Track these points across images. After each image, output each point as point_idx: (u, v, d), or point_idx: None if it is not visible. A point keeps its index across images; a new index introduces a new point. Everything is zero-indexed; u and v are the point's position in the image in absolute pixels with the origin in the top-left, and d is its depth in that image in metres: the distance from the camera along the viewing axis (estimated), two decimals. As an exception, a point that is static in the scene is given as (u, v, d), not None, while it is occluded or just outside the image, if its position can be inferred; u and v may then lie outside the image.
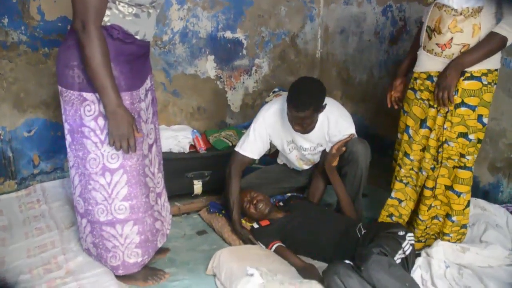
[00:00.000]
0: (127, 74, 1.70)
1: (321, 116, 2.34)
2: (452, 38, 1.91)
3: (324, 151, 2.44)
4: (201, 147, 2.84)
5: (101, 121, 1.70)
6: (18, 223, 2.36)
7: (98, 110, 1.69)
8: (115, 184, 1.78)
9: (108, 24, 1.62)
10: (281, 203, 2.53)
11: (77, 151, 1.78)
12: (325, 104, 2.28)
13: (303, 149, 2.46)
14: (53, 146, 2.81)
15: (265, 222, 2.31)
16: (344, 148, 2.32)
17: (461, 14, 1.87)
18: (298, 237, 2.19)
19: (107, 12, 1.60)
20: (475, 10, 1.86)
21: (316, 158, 2.52)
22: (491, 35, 1.86)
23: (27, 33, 2.60)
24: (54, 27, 2.65)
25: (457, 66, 1.90)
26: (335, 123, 2.34)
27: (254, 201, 2.34)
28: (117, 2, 1.61)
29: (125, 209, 1.82)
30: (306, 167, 2.62)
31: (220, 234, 2.43)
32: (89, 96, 1.67)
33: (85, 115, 1.70)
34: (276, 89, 3.15)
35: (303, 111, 2.17)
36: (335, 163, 2.35)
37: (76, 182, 1.85)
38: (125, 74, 1.68)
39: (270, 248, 2.17)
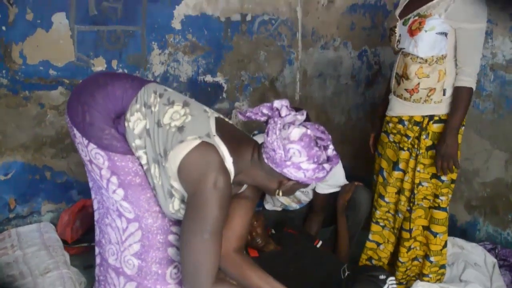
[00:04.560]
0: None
1: None
2: (419, 83, 1.98)
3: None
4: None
5: (95, 168, 1.53)
6: (-10, 270, 2.28)
7: (88, 155, 1.53)
8: (129, 234, 1.54)
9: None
10: (273, 231, 2.42)
11: (90, 179, 1.60)
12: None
13: None
14: (30, 189, 2.76)
15: (253, 253, 2.23)
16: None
17: (426, 61, 1.95)
18: (283, 273, 2.15)
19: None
20: (439, 58, 1.94)
21: (304, 196, 2.49)
22: (459, 91, 1.92)
23: (8, 77, 2.60)
24: (35, 70, 2.67)
25: (452, 132, 1.93)
26: None
27: (253, 233, 2.24)
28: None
29: (133, 266, 1.56)
30: (294, 205, 2.57)
31: None
32: (78, 134, 1.54)
33: (81, 151, 1.55)
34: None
35: None
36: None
37: (95, 206, 1.64)
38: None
39: None
